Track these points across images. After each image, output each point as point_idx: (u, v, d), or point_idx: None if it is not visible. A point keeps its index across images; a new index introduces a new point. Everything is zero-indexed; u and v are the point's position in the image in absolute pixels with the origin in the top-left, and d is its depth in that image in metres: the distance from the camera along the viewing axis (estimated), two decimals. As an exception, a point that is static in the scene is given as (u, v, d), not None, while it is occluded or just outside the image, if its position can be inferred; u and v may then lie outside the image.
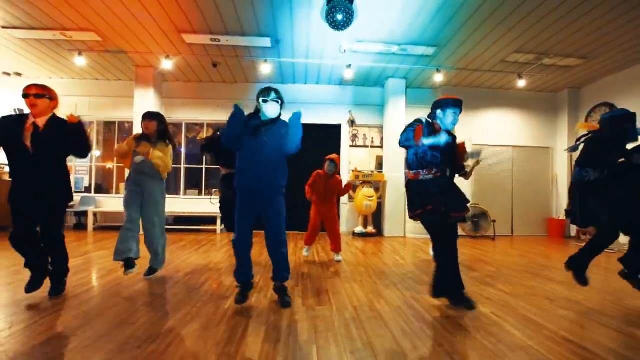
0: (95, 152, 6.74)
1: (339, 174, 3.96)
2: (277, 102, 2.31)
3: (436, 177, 2.30)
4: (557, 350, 1.74)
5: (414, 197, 2.37)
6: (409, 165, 2.42)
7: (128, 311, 2.19)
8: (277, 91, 2.34)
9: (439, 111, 2.33)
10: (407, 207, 2.51)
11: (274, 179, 2.30)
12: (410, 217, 2.44)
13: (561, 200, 6.54)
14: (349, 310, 2.29)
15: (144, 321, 2.03)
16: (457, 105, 2.32)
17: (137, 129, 5.88)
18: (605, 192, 2.37)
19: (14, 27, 4.51)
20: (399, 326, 2.04)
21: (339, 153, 6.64)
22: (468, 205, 2.37)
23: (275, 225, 2.33)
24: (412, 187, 2.40)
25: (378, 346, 1.77)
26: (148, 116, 2.93)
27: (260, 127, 2.28)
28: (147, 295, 2.53)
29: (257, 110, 2.36)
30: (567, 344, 1.83)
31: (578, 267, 2.57)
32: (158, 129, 2.93)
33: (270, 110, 2.30)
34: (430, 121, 2.36)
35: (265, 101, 2.29)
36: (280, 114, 2.38)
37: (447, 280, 2.34)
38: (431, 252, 3.82)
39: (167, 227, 6.38)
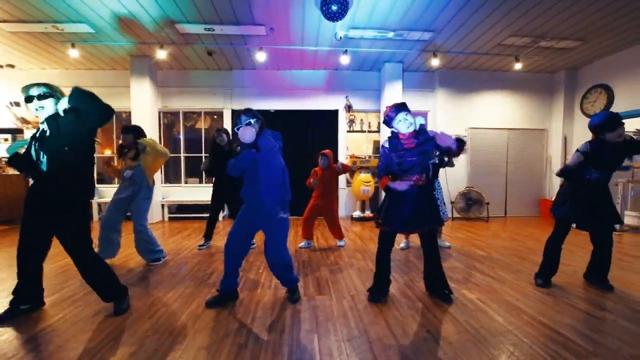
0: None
1: (335, 162, 4.07)
2: (249, 123, 2.19)
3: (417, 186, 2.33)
4: (533, 335, 1.95)
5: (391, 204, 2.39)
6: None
7: (144, 305, 2.38)
8: (246, 111, 2.25)
9: (392, 125, 2.36)
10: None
11: (273, 196, 2.29)
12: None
13: (554, 182, 6.71)
14: (346, 299, 2.49)
15: (160, 314, 2.23)
16: (399, 110, 2.31)
17: (135, 119, 5.92)
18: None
19: (4, 21, 4.44)
20: (391, 314, 2.24)
21: (336, 138, 6.73)
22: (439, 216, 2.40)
23: (273, 245, 2.33)
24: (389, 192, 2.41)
25: (372, 334, 1.97)
26: (124, 130, 3.32)
27: (253, 156, 2.24)
28: (160, 289, 2.71)
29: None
30: (543, 328, 2.04)
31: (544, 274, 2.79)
32: (134, 140, 3.27)
33: (243, 135, 2.13)
34: (395, 134, 2.37)
35: (238, 129, 2.20)
36: (261, 134, 2.27)
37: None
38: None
39: (170, 215, 6.59)
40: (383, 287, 2.51)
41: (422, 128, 2.37)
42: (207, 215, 4.19)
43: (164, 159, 3.43)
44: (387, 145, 2.38)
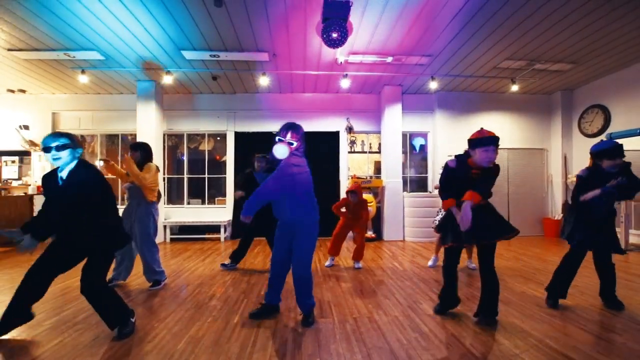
0: (99, 163, 6.87)
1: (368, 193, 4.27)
2: (290, 143, 2.38)
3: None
4: (541, 359, 1.90)
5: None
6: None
7: (144, 328, 2.34)
8: (292, 128, 2.44)
9: (471, 150, 2.34)
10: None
11: (302, 213, 2.39)
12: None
13: (556, 201, 6.69)
14: (349, 322, 2.45)
15: (160, 338, 2.19)
16: (487, 143, 2.26)
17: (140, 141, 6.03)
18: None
19: (19, 49, 4.64)
20: (395, 337, 2.20)
21: (337, 159, 6.80)
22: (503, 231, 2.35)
23: (298, 255, 2.39)
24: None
25: (376, 358, 1.93)
26: (133, 148, 3.35)
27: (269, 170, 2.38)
28: (160, 311, 2.68)
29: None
30: (551, 351, 1.99)
31: (555, 295, 2.74)
32: (141, 156, 3.31)
33: (277, 151, 2.30)
34: (465, 158, 2.38)
35: (278, 140, 2.37)
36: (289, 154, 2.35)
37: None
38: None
39: (172, 236, 6.56)
40: (451, 301, 2.57)
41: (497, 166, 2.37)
42: (242, 237, 4.18)
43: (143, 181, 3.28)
44: (453, 165, 2.41)
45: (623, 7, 3.72)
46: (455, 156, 2.46)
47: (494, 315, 2.41)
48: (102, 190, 2.13)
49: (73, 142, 2.13)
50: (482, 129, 2.38)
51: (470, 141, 2.36)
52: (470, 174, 2.36)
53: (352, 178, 6.49)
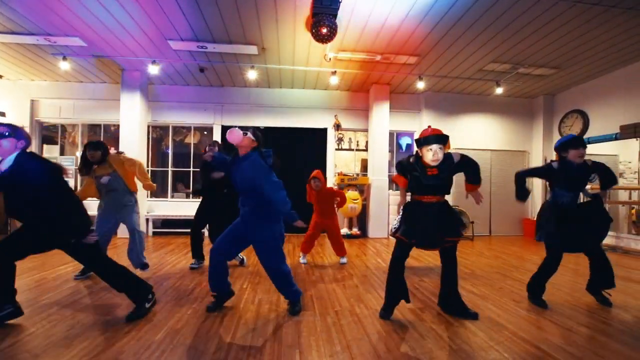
0: (78, 153, 6.68)
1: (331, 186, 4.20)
2: (245, 134, 2.40)
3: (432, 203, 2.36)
4: (514, 350, 1.96)
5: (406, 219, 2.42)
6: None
7: (121, 319, 2.30)
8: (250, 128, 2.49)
9: (419, 149, 2.35)
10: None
11: (254, 208, 2.37)
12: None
13: (536, 202, 6.89)
14: (330, 315, 2.47)
15: (138, 329, 2.16)
16: (430, 142, 2.26)
17: (124, 132, 5.90)
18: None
19: (-4, 32, 4.45)
20: (375, 329, 2.23)
21: (325, 156, 6.81)
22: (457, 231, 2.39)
23: (264, 258, 2.41)
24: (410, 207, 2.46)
25: (355, 349, 1.95)
26: (94, 147, 3.23)
27: (232, 163, 2.49)
28: (138, 304, 2.63)
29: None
30: (524, 343, 2.06)
31: (535, 292, 2.80)
32: (102, 155, 3.24)
33: (232, 134, 2.39)
34: (419, 157, 2.37)
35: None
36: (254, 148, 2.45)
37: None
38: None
39: (155, 230, 6.44)
40: (395, 302, 2.45)
41: (448, 155, 2.32)
42: (190, 232, 3.83)
43: (134, 165, 3.41)
44: (411, 160, 2.40)
45: (604, 14, 3.85)
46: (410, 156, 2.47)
47: (457, 308, 2.46)
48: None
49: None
50: (428, 127, 2.41)
51: (416, 141, 2.38)
52: (425, 173, 2.31)
53: (338, 175, 6.51)
